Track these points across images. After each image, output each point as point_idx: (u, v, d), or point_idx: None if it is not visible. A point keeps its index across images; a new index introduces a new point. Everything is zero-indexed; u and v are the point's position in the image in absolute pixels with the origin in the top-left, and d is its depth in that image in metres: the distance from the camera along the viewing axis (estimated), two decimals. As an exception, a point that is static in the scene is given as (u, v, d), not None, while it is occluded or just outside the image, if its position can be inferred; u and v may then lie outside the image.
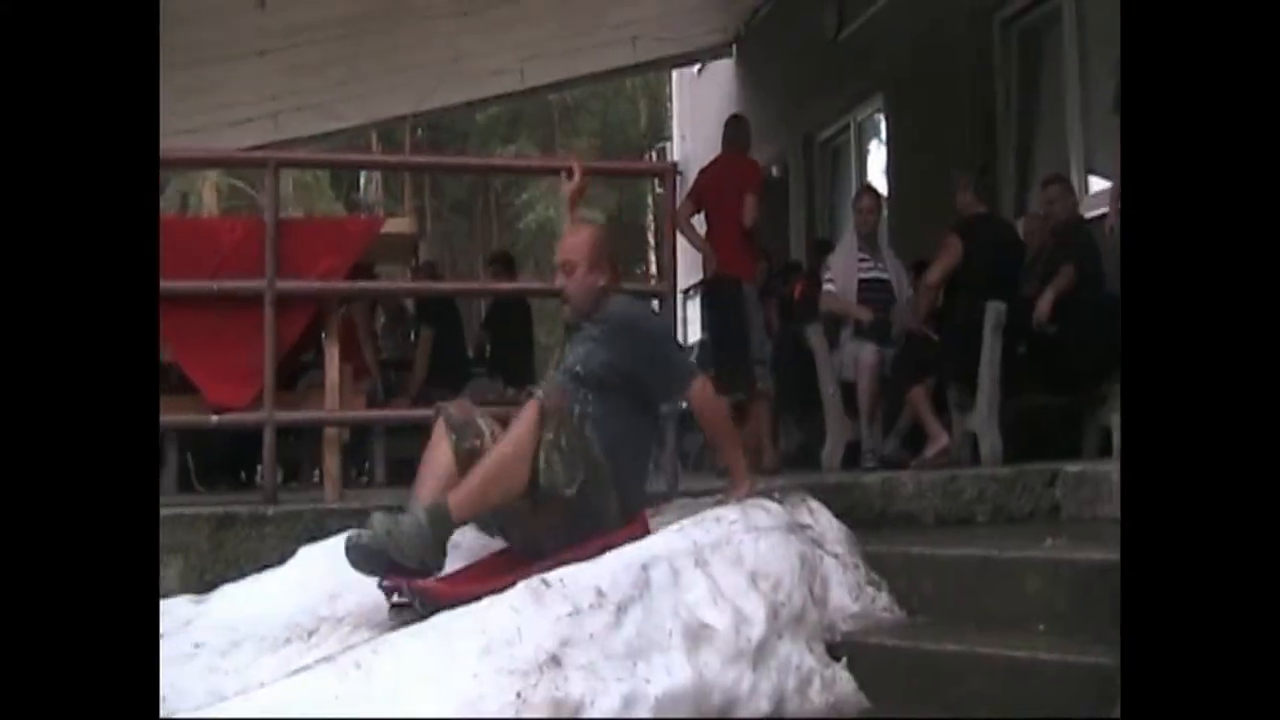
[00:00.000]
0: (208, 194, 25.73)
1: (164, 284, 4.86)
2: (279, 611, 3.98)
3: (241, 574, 4.24)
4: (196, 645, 3.89)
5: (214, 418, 4.87)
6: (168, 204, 25.83)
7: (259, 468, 7.11)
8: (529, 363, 8.89)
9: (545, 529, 3.91)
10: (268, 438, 4.81)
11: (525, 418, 3.85)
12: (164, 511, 4.48)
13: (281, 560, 4.25)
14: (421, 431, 6.95)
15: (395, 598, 3.78)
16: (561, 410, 3.89)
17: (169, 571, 4.37)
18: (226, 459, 7.59)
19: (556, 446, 3.83)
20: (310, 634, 3.84)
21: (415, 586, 3.71)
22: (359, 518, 4.44)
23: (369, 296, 7.45)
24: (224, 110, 10.72)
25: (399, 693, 3.03)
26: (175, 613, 4.09)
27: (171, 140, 10.36)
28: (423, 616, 3.43)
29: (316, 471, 7.11)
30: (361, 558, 3.73)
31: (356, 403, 5.44)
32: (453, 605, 3.40)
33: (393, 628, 3.50)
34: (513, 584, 3.39)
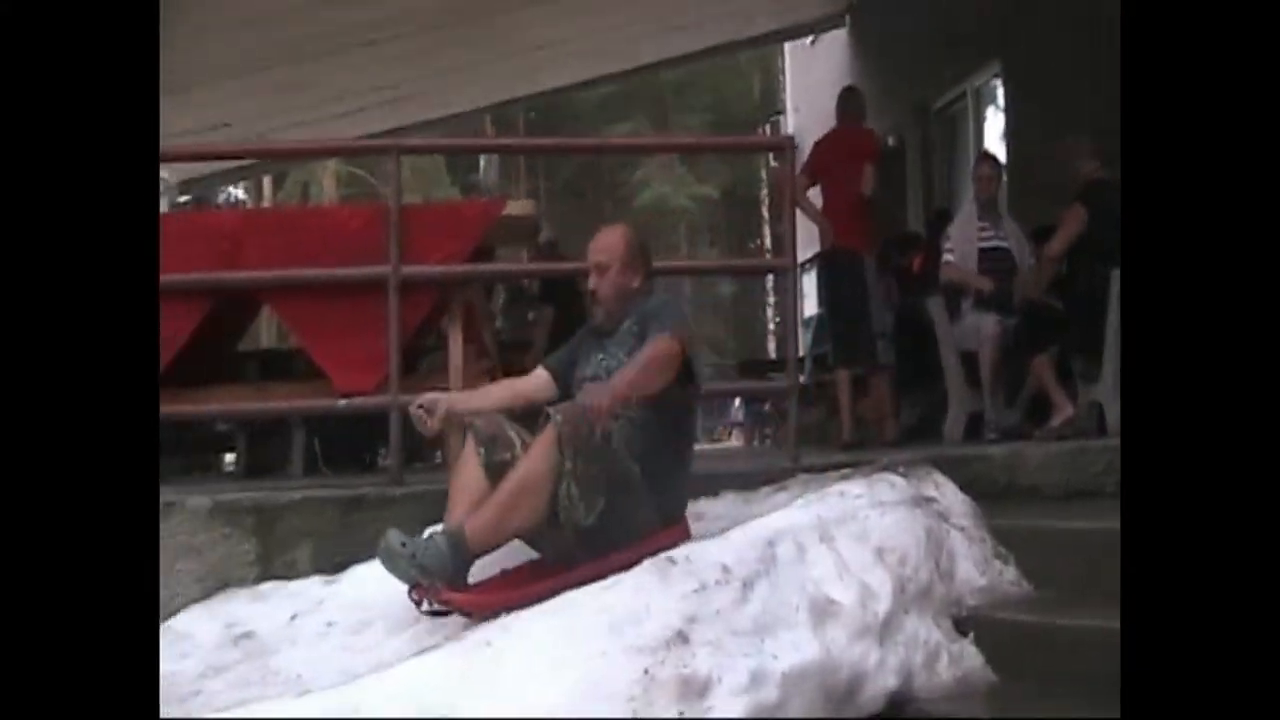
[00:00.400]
0: (328, 183, 26.15)
1: (290, 272, 4.99)
2: (403, 591, 4.04)
3: (370, 555, 4.29)
4: (329, 624, 3.98)
5: (341, 402, 4.95)
6: (288, 194, 26.45)
7: (381, 450, 7.22)
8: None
9: (576, 540, 3.82)
10: (394, 421, 4.87)
11: (543, 443, 3.73)
12: (295, 495, 4.60)
13: (412, 541, 4.33)
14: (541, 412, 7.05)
15: (425, 606, 3.78)
16: (579, 435, 3.73)
17: (301, 553, 4.47)
18: (350, 443, 7.72)
19: (574, 476, 3.71)
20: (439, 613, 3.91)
21: (444, 599, 3.72)
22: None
23: (493, 279, 7.49)
24: (339, 100, 10.87)
25: (527, 671, 3.06)
26: (308, 593, 4.18)
27: (290, 133, 10.59)
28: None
29: (438, 453, 7.18)
30: (393, 566, 3.72)
31: (479, 384, 5.49)
32: (483, 617, 3.44)
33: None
34: (543, 595, 3.39)
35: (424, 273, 4.99)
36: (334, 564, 4.37)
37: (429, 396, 4.09)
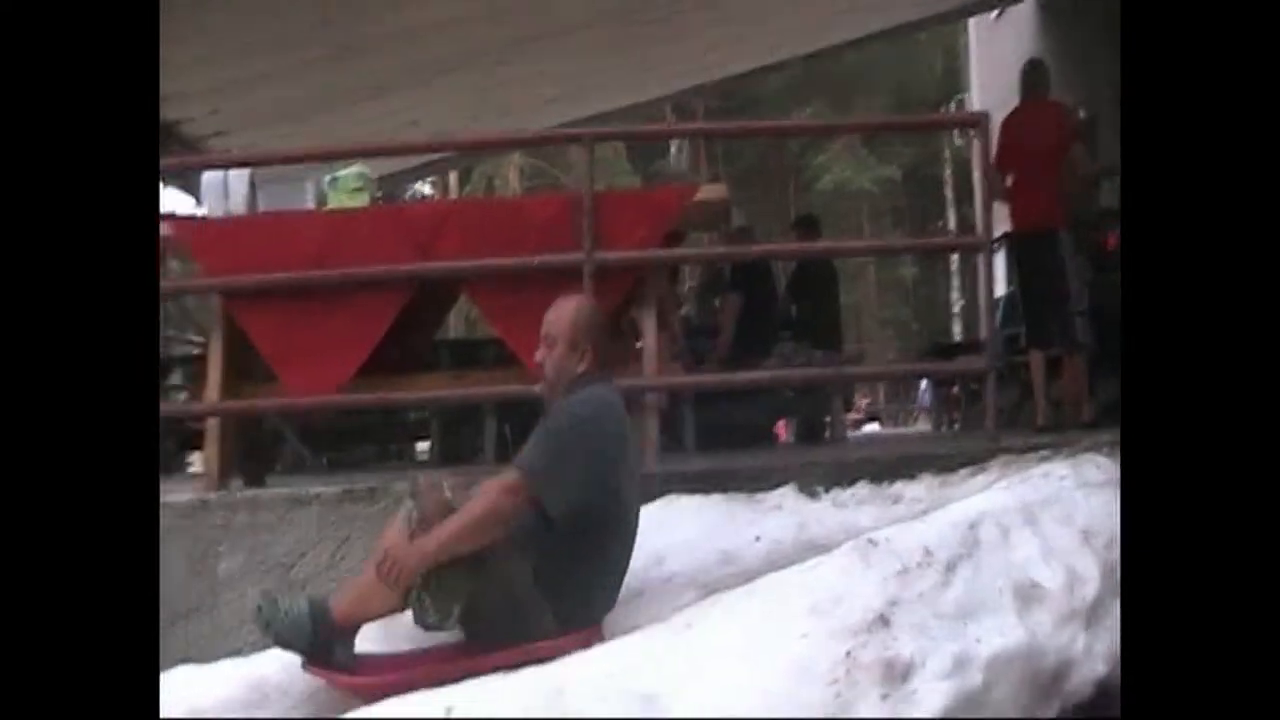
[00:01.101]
0: (511, 176, 26.66)
1: (486, 262, 5.07)
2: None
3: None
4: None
5: (538, 387, 5.01)
6: (474, 189, 26.97)
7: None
8: (836, 326, 8.84)
9: (473, 629, 3.68)
10: (589, 406, 4.92)
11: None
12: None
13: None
14: (729, 399, 7.06)
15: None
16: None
17: (501, 536, 4.52)
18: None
19: (424, 585, 3.55)
20: (638, 595, 3.92)
21: (314, 673, 3.66)
22: (679, 482, 4.52)
23: (684, 264, 7.47)
24: (524, 95, 11.01)
25: (729, 652, 3.06)
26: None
27: (487, 124, 10.77)
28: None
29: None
30: (257, 627, 3.69)
31: (673, 369, 5.51)
32: (381, 698, 3.29)
33: (722, 589, 3.54)
34: (420, 682, 3.28)
35: (618, 258, 5.02)
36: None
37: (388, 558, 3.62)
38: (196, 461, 7.86)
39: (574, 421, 3.79)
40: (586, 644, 3.51)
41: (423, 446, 9.20)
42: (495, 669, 3.27)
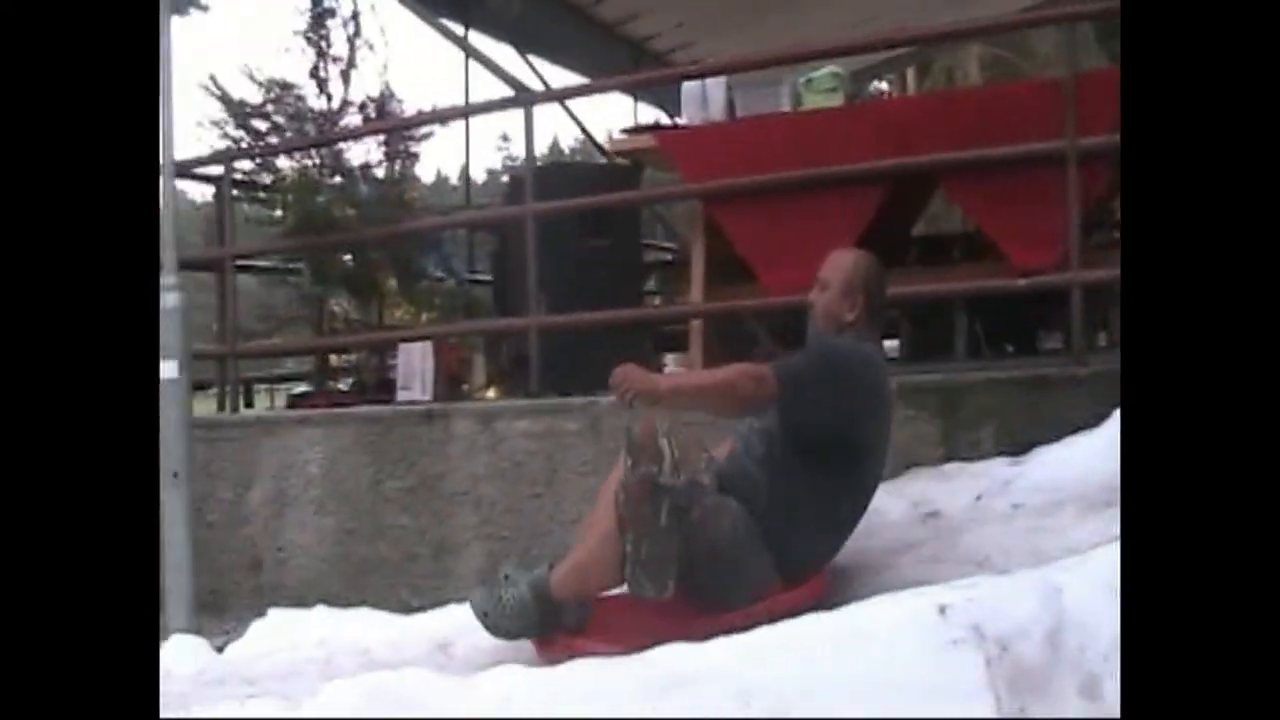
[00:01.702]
0: (972, 67, 25.80)
1: (965, 153, 4.97)
2: (1097, 473, 3.95)
3: (1056, 436, 4.24)
4: (1015, 505, 3.99)
5: (1021, 281, 4.90)
6: (934, 83, 26.34)
7: (1040, 333, 7.09)
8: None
9: (690, 593, 3.56)
10: (1075, 299, 4.75)
11: (604, 523, 3.57)
12: (978, 376, 4.62)
13: (1097, 422, 4.21)
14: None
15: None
16: (641, 517, 3.46)
17: (984, 434, 4.49)
18: (1011, 324, 7.63)
19: (638, 559, 3.45)
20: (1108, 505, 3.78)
21: (540, 651, 3.59)
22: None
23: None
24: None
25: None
26: (994, 474, 4.21)
27: (941, 16, 10.51)
28: None
29: (1101, 334, 6.95)
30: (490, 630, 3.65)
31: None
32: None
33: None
34: (677, 635, 3.01)
35: (1103, 144, 4.72)
36: (1016, 445, 4.35)
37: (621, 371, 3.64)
38: (670, 363, 8.20)
39: (836, 356, 3.75)
40: (807, 598, 3.47)
41: (890, 344, 9.19)
42: (716, 631, 3.13)
